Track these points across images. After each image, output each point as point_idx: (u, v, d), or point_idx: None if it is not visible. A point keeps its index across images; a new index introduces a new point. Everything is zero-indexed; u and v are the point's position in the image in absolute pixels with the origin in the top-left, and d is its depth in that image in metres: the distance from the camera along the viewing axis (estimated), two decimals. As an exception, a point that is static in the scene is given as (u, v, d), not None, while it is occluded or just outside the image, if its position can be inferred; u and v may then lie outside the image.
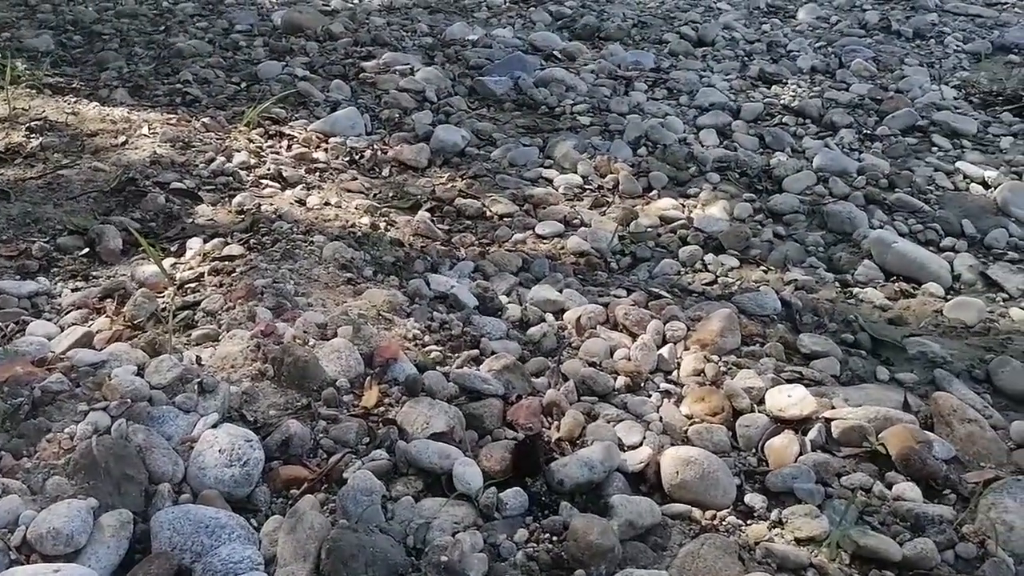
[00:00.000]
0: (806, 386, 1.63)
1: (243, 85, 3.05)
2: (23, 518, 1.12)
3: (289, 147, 2.59)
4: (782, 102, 3.13)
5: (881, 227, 2.31)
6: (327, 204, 2.21)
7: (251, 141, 2.57)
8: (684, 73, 3.33)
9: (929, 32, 3.95)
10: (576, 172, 2.59)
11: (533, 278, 2.05)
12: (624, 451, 1.46)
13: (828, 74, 3.43)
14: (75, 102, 2.73)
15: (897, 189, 2.53)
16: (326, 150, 2.61)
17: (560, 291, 1.96)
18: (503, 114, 3.00)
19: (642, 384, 1.67)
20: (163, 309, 1.67)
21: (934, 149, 2.82)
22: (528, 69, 3.26)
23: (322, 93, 3.00)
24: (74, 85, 2.91)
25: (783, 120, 2.99)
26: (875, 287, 2.09)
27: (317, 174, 2.44)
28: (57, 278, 1.85)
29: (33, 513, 1.12)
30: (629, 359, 1.72)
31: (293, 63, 3.22)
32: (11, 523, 1.11)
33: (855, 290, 2.08)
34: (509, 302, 1.91)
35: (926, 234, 2.32)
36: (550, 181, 2.56)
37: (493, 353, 1.67)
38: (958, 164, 2.68)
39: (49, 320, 1.68)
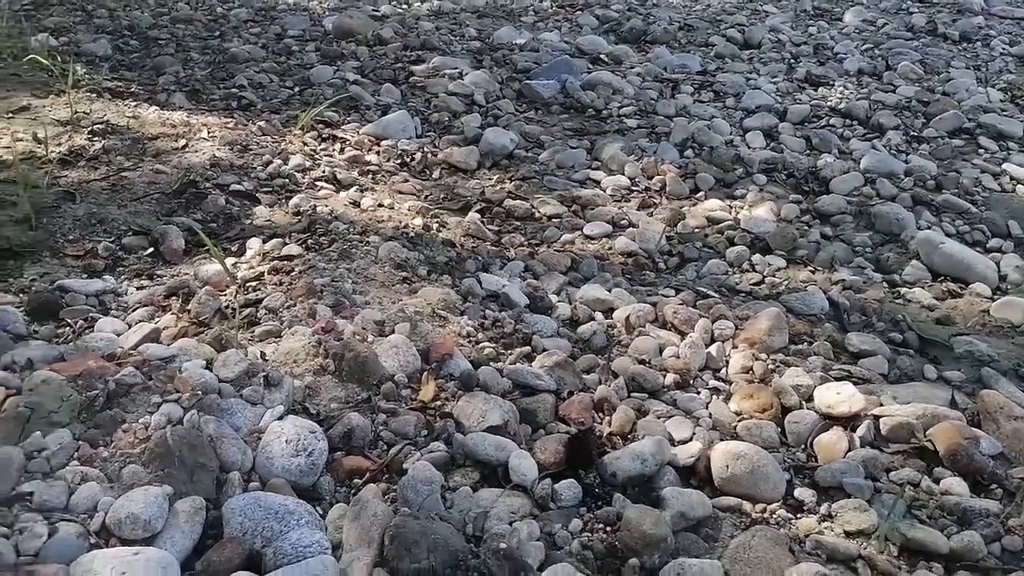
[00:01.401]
0: (854, 384, 1.64)
1: (296, 89, 3.13)
2: (102, 504, 1.17)
3: (342, 150, 2.66)
4: (829, 104, 3.13)
5: (928, 228, 2.31)
6: (380, 206, 2.27)
7: (305, 144, 2.64)
8: (730, 76, 3.35)
9: (975, 35, 3.91)
10: (623, 174, 2.62)
11: (582, 278, 2.09)
12: (674, 446, 1.49)
13: (875, 76, 3.42)
14: (135, 106, 2.82)
15: (944, 190, 2.53)
16: (378, 153, 2.67)
17: (609, 290, 1.99)
18: (551, 117, 3.03)
19: (691, 381, 1.70)
20: (227, 306, 1.73)
21: (980, 151, 2.81)
22: (575, 72, 3.30)
23: (373, 97, 3.06)
24: (133, 89, 3.01)
25: (830, 122, 2.99)
26: (923, 287, 2.09)
27: (370, 176, 2.50)
28: (123, 277, 1.92)
29: (111, 500, 1.18)
30: (678, 357, 1.75)
31: (344, 67, 3.29)
32: (90, 509, 1.17)
33: (903, 290, 2.08)
34: (559, 301, 1.94)
35: (973, 235, 2.32)
36: (597, 183, 2.59)
37: (544, 350, 1.71)
38: (1004, 166, 2.67)
39: (116, 317, 1.75)
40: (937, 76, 3.42)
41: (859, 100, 3.13)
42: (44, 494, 1.15)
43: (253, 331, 1.64)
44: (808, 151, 2.79)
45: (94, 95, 2.88)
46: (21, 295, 1.75)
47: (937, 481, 1.44)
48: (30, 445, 1.23)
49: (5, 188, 2.15)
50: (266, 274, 1.87)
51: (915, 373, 1.77)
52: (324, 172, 2.45)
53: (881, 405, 1.60)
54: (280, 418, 1.36)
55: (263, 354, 1.54)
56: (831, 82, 3.34)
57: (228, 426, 1.31)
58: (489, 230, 2.26)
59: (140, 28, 3.64)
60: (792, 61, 3.59)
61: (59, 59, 2.92)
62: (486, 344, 1.69)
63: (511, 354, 1.67)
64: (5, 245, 1.91)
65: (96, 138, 2.53)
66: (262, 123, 2.74)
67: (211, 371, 1.44)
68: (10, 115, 2.63)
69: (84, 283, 1.83)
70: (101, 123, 2.63)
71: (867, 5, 4.36)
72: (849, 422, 1.57)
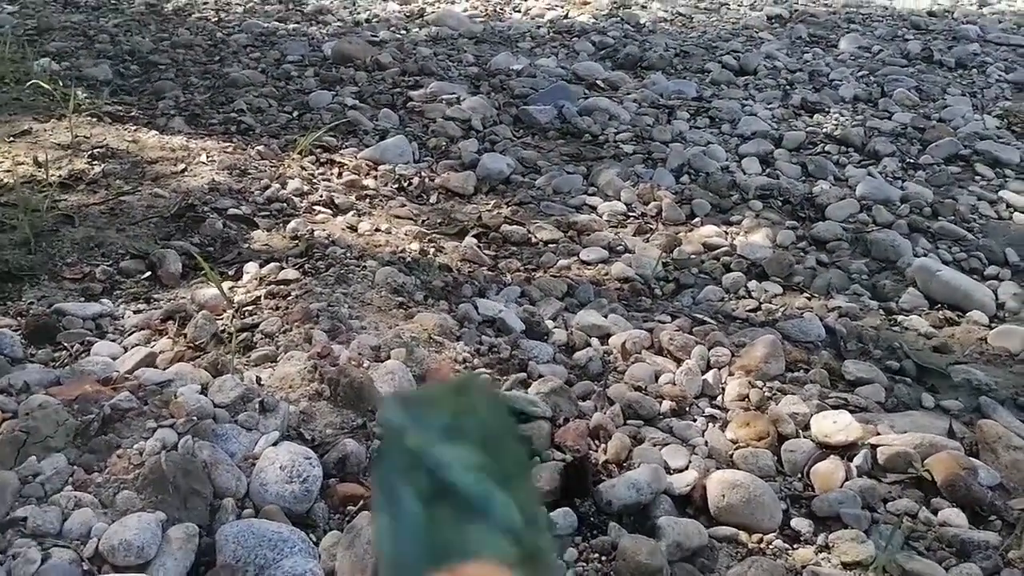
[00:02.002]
0: (851, 412, 1.64)
1: (295, 114, 3.14)
2: (95, 530, 1.17)
3: (340, 174, 2.67)
4: (824, 131, 3.15)
5: (925, 255, 2.32)
6: (377, 230, 2.27)
7: (303, 168, 2.65)
8: (726, 102, 3.37)
9: (971, 62, 3.95)
10: (620, 199, 2.63)
11: (578, 303, 2.09)
12: (670, 474, 1.49)
13: (871, 103, 3.45)
14: (135, 130, 2.83)
15: (940, 217, 2.54)
16: (375, 177, 2.68)
17: (605, 316, 1.99)
18: (547, 142, 3.05)
19: (687, 408, 1.70)
20: (223, 331, 1.73)
21: (977, 178, 2.82)
22: (572, 98, 3.32)
23: (371, 122, 3.08)
24: (133, 113, 3.02)
25: (826, 148, 3.01)
26: (919, 315, 2.10)
27: (367, 201, 2.51)
28: (120, 300, 1.92)
29: (104, 526, 1.17)
30: (674, 384, 1.75)
31: (343, 92, 3.31)
32: (84, 535, 1.16)
33: (899, 317, 2.09)
34: (555, 327, 1.95)
35: (970, 262, 2.33)
36: (594, 208, 2.60)
37: (540, 376, 1.71)
38: (1001, 193, 2.68)
39: (113, 341, 1.75)
40: (933, 103, 3.45)
41: (855, 127, 3.15)
42: (38, 519, 1.14)
43: (249, 355, 1.63)
44: (804, 178, 2.81)
45: (94, 119, 2.89)
46: (19, 318, 1.75)
47: (935, 512, 1.44)
48: (25, 469, 1.22)
49: (5, 211, 2.15)
50: (263, 298, 1.87)
51: (912, 402, 1.77)
52: (322, 196, 2.46)
53: (878, 434, 1.60)
54: (275, 444, 1.35)
55: (259, 379, 1.53)
56: (827, 109, 3.36)
57: (223, 452, 1.31)
58: (486, 255, 2.26)
59: (141, 53, 3.67)
60: (788, 88, 3.62)
61: (60, 83, 2.93)
62: (482, 370, 1.69)
63: (507, 380, 1.67)
64: (4, 268, 1.91)
65: (96, 162, 2.54)
66: (261, 147, 2.75)
67: (206, 396, 1.44)
68: (11, 139, 2.64)
69: (81, 306, 1.83)
70: (101, 147, 2.64)
71: (862, 32, 4.40)
72: (846, 451, 1.57)
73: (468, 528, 0.32)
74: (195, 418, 1.35)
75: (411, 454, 0.33)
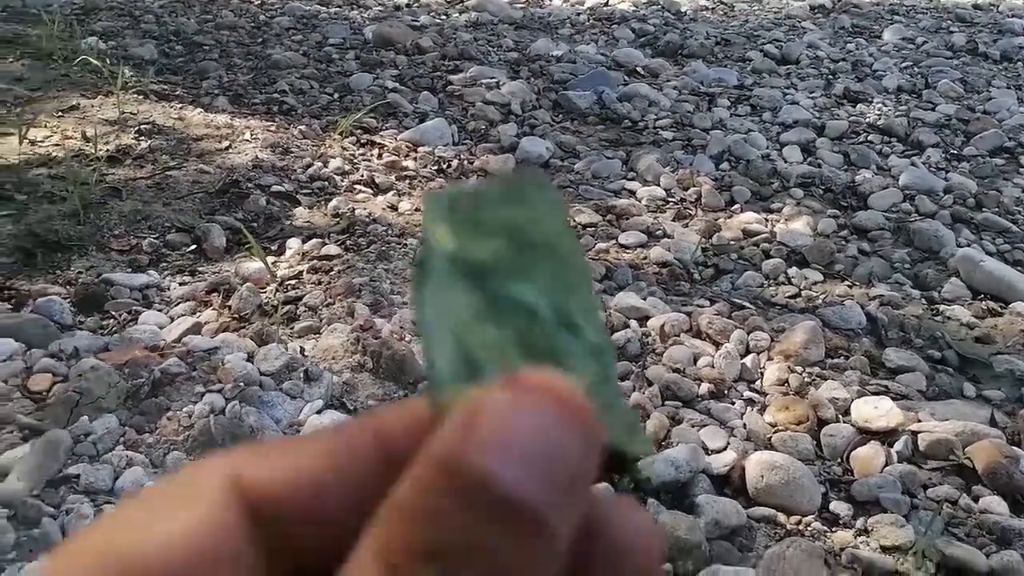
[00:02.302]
0: (892, 399, 1.63)
1: (336, 96, 3.17)
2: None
3: (380, 155, 2.69)
4: (867, 120, 3.11)
5: (968, 246, 2.29)
6: (418, 210, 2.29)
7: (344, 149, 2.67)
8: (767, 90, 3.34)
9: (1016, 55, 3.88)
10: (659, 185, 2.63)
11: (616, 286, 2.09)
12: (708, 455, 1.49)
13: (914, 94, 3.40)
14: (180, 108, 2.87)
15: (984, 209, 2.50)
16: (415, 159, 2.70)
17: (644, 299, 1.99)
18: (587, 127, 3.05)
19: (726, 392, 1.69)
20: (267, 303, 1.76)
21: (1022, 170, 2.78)
22: (611, 84, 3.31)
23: (411, 104, 3.09)
24: (178, 92, 3.06)
25: (868, 138, 2.97)
26: (962, 305, 2.07)
27: (407, 181, 2.52)
28: (166, 272, 1.96)
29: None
30: (713, 367, 1.75)
31: (383, 75, 3.33)
32: (135, 493, 1.19)
33: (941, 307, 2.07)
34: (600, 309, 1.95)
35: (1014, 254, 2.29)
36: (633, 193, 2.60)
37: (579, 356, 1.71)
38: (1048, 185, 2.64)
39: (159, 311, 1.79)
40: (977, 95, 3.39)
41: (898, 117, 3.11)
42: (91, 476, 1.17)
43: (293, 327, 1.66)
44: (846, 166, 2.78)
45: (141, 96, 2.93)
46: (68, 287, 1.79)
47: (976, 499, 1.43)
48: (77, 429, 1.25)
49: (55, 184, 2.20)
50: (305, 273, 1.89)
51: (954, 391, 1.75)
52: (363, 176, 2.48)
53: (919, 421, 1.59)
54: (319, 412, 1.37)
55: (302, 349, 1.56)
56: (870, 98, 3.32)
57: (268, 418, 1.33)
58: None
59: (185, 34, 3.71)
60: (830, 77, 3.58)
61: (107, 62, 2.98)
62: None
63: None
64: (54, 238, 1.95)
65: (142, 138, 2.58)
66: (303, 127, 2.78)
67: (252, 364, 1.46)
68: (60, 114, 2.69)
69: (129, 277, 1.87)
70: (147, 123, 2.68)
71: (906, 24, 4.34)
72: (886, 437, 1.56)
73: (525, 327, 0.27)
74: (242, 384, 1.38)
75: (455, 257, 0.28)
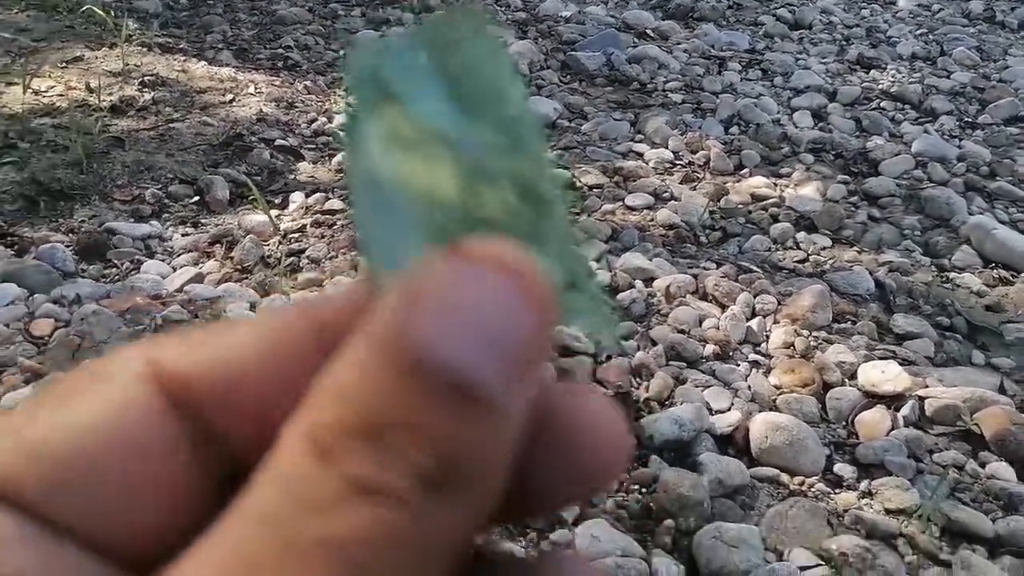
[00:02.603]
0: (899, 364, 1.62)
1: (341, 52, 3.12)
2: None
3: (397, 32, 2.65)
4: (880, 87, 3.07)
5: (980, 214, 2.26)
6: (423, 166, 2.27)
7: (349, 105, 2.64)
8: (779, 55, 3.29)
9: (1036, 23, 3.81)
10: (667, 147, 2.59)
11: (622, 247, 2.07)
12: (712, 415, 1.48)
13: (929, 61, 3.35)
14: (184, 61, 2.84)
15: (998, 177, 2.47)
16: (421, 116, 2.66)
17: (650, 260, 1.97)
18: (595, 89, 3.01)
19: (731, 353, 1.68)
20: (269, 255, 1.74)
21: (1038, 140, 2.74)
22: (621, 46, 3.26)
23: (417, 62, 3.05)
24: (182, 46, 3.02)
25: (881, 105, 2.93)
26: (972, 273, 2.05)
27: (412, 138, 2.49)
28: (168, 223, 1.94)
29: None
30: (718, 328, 1.73)
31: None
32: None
33: (951, 275, 2.04)
34: (599, 268, 1.93)
35: (1027, 223, 2.27)
36: (640, 155, 2.56)
37: (584, 315, 1.70)
38: (1064, 156, 2.60)
39: (162, 261, 1.77)
40: (994, 63, 3.34)
41: (912, 84, 3.07)
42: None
43: (295, 279, 1.64)
44: (858, 133, 2.74)
45: (145, 49, 2.89)
46: (71, 235, 1.77)
47: (983, 465, 1.42)
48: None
49: (58, 133, 2.17)
50: (309, 226, 1.88)
51: (962, 358, 1.74)
52: (368, 132, 2.45)
53: (927, 386, 1.58)
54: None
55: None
56: (883, 65, 3.27)
57: (271, 367, 1.32)
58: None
59: (190, -14, 3.65)
60: (844, 43, 3.52)
61: (112, 14, 2.94)
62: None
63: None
64: (57, 187, 1.93)
65: (146, 89, 2.55)
66: (307, 83, 2.74)
67: (255, 313, 1.45)
68: (64, 64, 2.66)
69: (131, 227, 1.85)
70: (151, 75, 2.65)
71: (923, -8, 4.27)
72: (893, 401, 1.54)
73: (472, 191, 0.23)
74: (244, 333, 1.36)
75: (384, 97, 0.24)
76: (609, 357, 1.58)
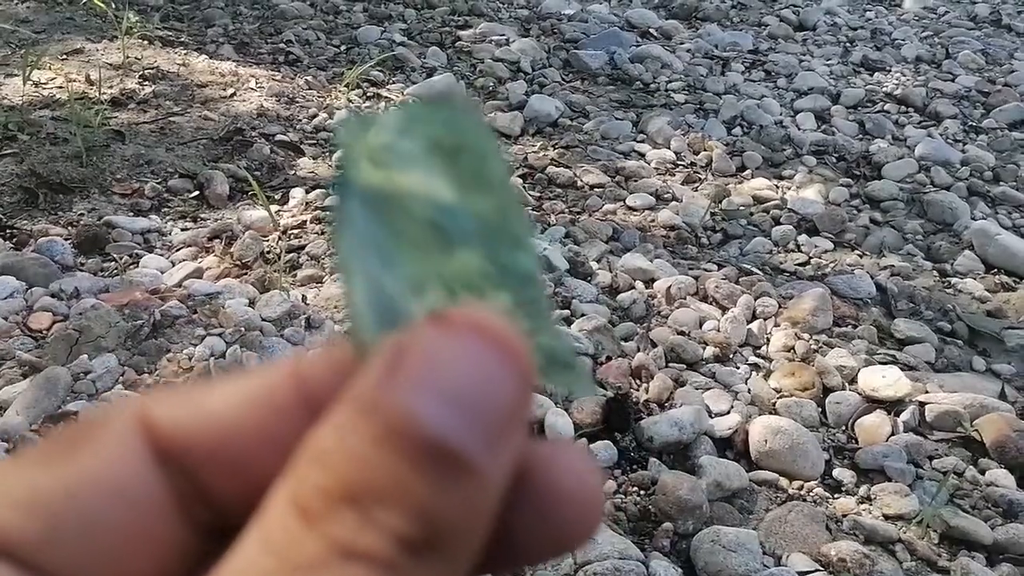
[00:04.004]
0: (900, 369, 1.61)
1: (342, 48, 3.11)
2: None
3: (387, 108, 2.64)
4: (884, 90, 3.06)
5: (983, 219, 2.25)
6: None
7: (351, 101, 2.63)
8: (783, 56, 3.28)
9: (1042, 27, 3.80)
10: (669, 148, 2.59)
11: (623, 247, 2.06)
12: (712, 417, 1.47)
13: (934, 64, 3.34)
14: (185, 54, 2.82)
15: (1002, 182, 2.46)
16: (422, 113, 2.65)
17: (651, 261, 1.96)
18: (597, 87, 3.00)
19: (731, 356, 1.67)
20: (269, 251, 1.73)
21: (1042, 145, 2.74)
22: (624, 45, 3.25)
23: (419, 59, 3.04)
24: (183, 39, 3.01)
25: (885, 108, 2.92)
26: (974, 278, 2.04)
27: (414, 135, 2.48)
28: (168, 217, 1.93)
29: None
30: (718, 331, 1.73)
31: (391, 29, 3.27)
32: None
33: (953, 280, 2.04)
34: (599, 268, 1.92)
35: (1030, 229, 2.26)
36: (642, 155, 2.56)
37: (583, 315, 1.69)
38: (1067, 161, 2.59)
39: (161, 255, 1.76)
40: (999, 67, 3.33)
41: (916, 87, 3.06)
42: (89, 415, 1.16)
43: (295, 275, 1.64)
44: (861, 135, 2.74)
45: (145, 42, 2.88)
46: (70, 228, 1.76)
47: (983, 472, 1.41)
48: (77, 367, 1.24)
49: (58, 126, 2.16)
50: (308, 222, 1.87)
51: (963, 364, 1.73)
52: (369, 129, 2.44)
53: (927, 392, 1.57)
54: (320, 361, 1.35)
55: (304, 298, 1.53)
56: (888, 68, 3.26)
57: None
58: (530, 196, 2.24)
59: (192, -21, 3.64)
60: (848, 45, 3.51)
61: (113, 6, 2.92)
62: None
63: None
64: (56, 180, 1.92)
65: (146, 82, 2.54)
66: (308, 78, 2.73)
67: (254, 309, 1.44)
68: (64, 57, 2.65)
69: (131, 220, 1.84)
70: (151, 68, 2.64)
71: (927, -5, 4.26)
72: (893, 407, 1.54)
73: (455, 261, 0.25)
74: (243, 329, 1.36)
75: (378, 187, 0.25)
76: (609, 358, 1.58)
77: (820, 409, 1.54)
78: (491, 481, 0.21)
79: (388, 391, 0.20)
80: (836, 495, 1.37)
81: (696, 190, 2.39)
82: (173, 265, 1.69)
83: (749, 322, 1.76)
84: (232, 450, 0.24)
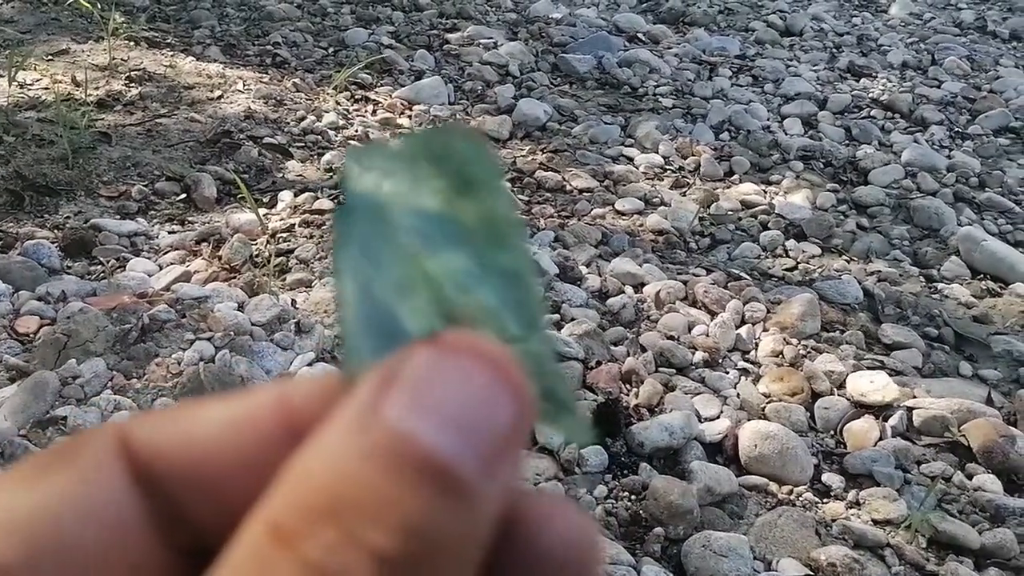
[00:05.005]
0: (888, 375, 1.62)
1: (330, 50, 3.10)
2: (132, 435, 1.17)
3: (374, 112, 2.64)
4: (871, 95, 3.08)
5: (970, 225, 2.27)
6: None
7: (339, 104, 2.62)
8: (770, 61, 3.30)
9: (1026, 34, 3.84)
10: (657, 152, 2.59)
11: (612, 252, 2.06)
12: (702, 422, 1.47)
13: (920, 70, 3.36)
14: (171, 56, 2.81)
15: (987, 188, 2.48)
16: (410, 117, 2.65)
17: (640, 265, 1.97)
18: (585, 92, 3.00)
19: (720, 360, 1.68)
20: (258, 254, 1.72)
21: (1027, 151, 2.76)
22: (612, 49, 3.26)
23: (407, 62, 3.04)
24: (169, 40, 2.99)
25: (871, 113, 2.94)
26: (961, 284, 2.06)
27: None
28: (155, 220, 1.92)
29: (140, 431, 1.18)
30: (707, 335, 1.73)
31: (379, 31, 3.27)
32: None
33: (940, 285, 2.05)
34: (589, 272, 1.93)
35: (1015, 235, 2.28)
36: (631, 159, 2.56)
37: (573, 319, 1.69)
38: (1051, 168, 2.62)
39: (148, 259, 1.75)
40: (985, 73, 3.36)
41: (902, 93, 3.08)
42: (78, 419, 1.15)
43: (284, 279, 1.63)
44: (847, 141, 2.75)
45: (131, 43, 2.87)
46: (56, 231, 1.75)
47: (970, 477, 1.42)
48: (65, 371, 1.23)
49: (44, 127, 2.14)
50: (297, 226, 1.86)
51: (950, 369, 1.74)
52: (357, 132, 2.43)
53: (915, 397, 1.58)
54: (310, 364, 1.35)
55: (294, 302, 1.53)
56: (874, 74, 3.28)
57: (259, 368, 1.31)
58: (519, 200, 2.24)
59: (179, -20, 3.62)
60: (834, 50, 3.54)
61: (98, 7, 2.90)
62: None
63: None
64: (42, 182, 1.91)
65: (133, 84, 2.53)
66: (296, 80, 2.72)
67: (243, 313, 1.43)
68: (50, 58, 2.63)
69: (117, 223, 1.83)
70: (138, 70, 2.62)
71: None
72: (881, 412, 1.55)
73: (455, 288, 0.25)
74: (232, 333, 1.35)
75: (371, 201, 0.26)
76: (599, 363, 1.58)
77: (809, 414, 1.55)
78: (484, 505, 0.20)
79: (380, 409, 0.20)
80: (825, 500, 1.37)
81: (685, 195, 2.40)
82: (161, 268, 1.68)
83: (738, 327, 1.77)
84: (213, 474, 0.23)
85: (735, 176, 2.51)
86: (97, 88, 2.43)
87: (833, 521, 1.32)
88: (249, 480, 0.22)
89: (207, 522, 0.23)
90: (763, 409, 1.54)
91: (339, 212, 0.26)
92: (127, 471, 0.23)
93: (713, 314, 1.81)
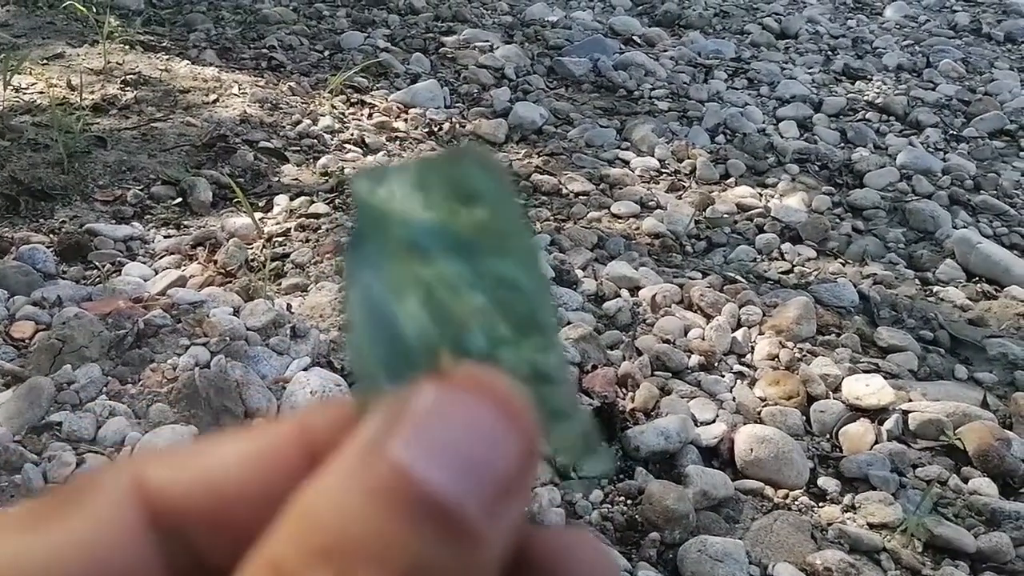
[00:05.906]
0: (883, 378, 1.62)
1: (326, 53, 3.10)
2: (129, 439, 1.17)
3: (370, 115, 2.64)
4: (866, 98, 3.08)
5: (965, 228, 2.27)
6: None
7: (334, 107, 2.62)
8: (765, 64, 3.31)
9: (1021, 36, 3.85)
10: (653, 155, 2.60)
11: (608, 255, 2.06)
12: (697, 426, 1.47)
13: (915, 73, 3.37)
14: (167, 59, 2.81)
15: (982, 191, 2.49)
16: (406, 120, 2.65)
17: (636, 268, 1.97)
18: (581, 95, 3.01)
19: (716, 364, 1.68)
20: (253, 259, 1.72)
21: (1022, 153, 2.77)
22: (607, 52, 3.26)
23: (403, 65, 3.04)
24: (164, 44, 2.99)
25: (866, 116, 2.95)
26: (956, 286, 2.06)
27: (397, 143, 2.48)
28: (150, 224, 1.92)
29: (138, 435, 1.18)
30: (703, 339, 1.73)
31: (375, 35, 3.27)
32: (118, 443, 1.17)
33: (935, 288, 2.05)
34: (585, 276, 1.93)
35: (1011, 237, 2.28)
36: (627, 163, 2.56)
37: (569, 323, 1.69)
38: (1046, 170, 2.62)
39: (144, 263, 1.75)
40: (980, 76, 3.37)
41: (897, 96, 3.09)
42: (73, 425, 1.15)
43: (280, 284, 1.63)
44: (843, 144, 2.76)
45: (127, 47, 2.86)
46: (51, 236, 1.75)
47: (965, 480, 1.42)
48: (60, 377, 1.22)
49: (39, 131, 2.14)
50: (293, 230, 1.86)
51: (945, 372, 1.75)
52: (352, 135, 2.43)
53: (910, 400, 1.58)
54: (305, 369, 1.35)
55: (289, 306, 1.53)
56: (869, 76, 3.29)
57: (254, 373, 1.31)
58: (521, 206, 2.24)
59: (174, -17, 3.62)
60: (829, 53, 3.54)
61: (94, 10, 2.90)
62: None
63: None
64: (38, 187, 1.90)
65: (128, 88, 2.52)
66: (292, 84, 2.72)
67: (238, 318, 1.43)
68: (45, 62, 2.62)
69: (113, 228, 1.83)
70: (133, 74, 2.62)
71: (909, 1, 4.30)
72: (877, 415, 1.55)
73: (468, 315, 0.24)
74: (228, 339, 1.35)
75: (382, 223, 0.25)
76: (595, 367, 1.58)
77: (804, 417, 1.55)
78: (487, 547, 0.19)
79: (385, 446, 0.20)
80: (821, 504, 1.37)
81: (680, 198, 2.40)
82: (156, 273, 1.67)
83: (734, 330, 1.77)
84: (232, 513, 0.23)
85: (731, 179, 2.51)
86: (92, 92, 2.43)
87: (829, 525, 1.32)
88: (268, 517, 0.21)
89: (224, 562, 0.23)
90: (759, 413, 1.54)
91: (349, 233, 0.26)
92: (142, 515, 0.23)
93: (709, 317, 1.81)
